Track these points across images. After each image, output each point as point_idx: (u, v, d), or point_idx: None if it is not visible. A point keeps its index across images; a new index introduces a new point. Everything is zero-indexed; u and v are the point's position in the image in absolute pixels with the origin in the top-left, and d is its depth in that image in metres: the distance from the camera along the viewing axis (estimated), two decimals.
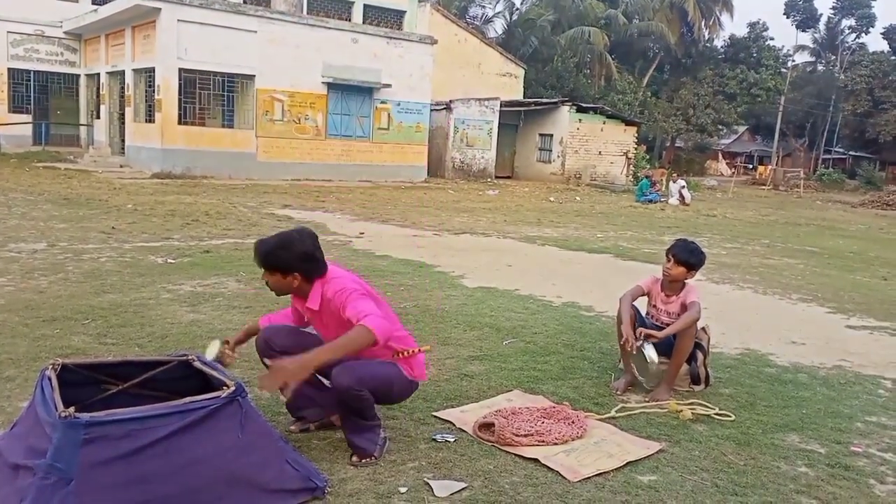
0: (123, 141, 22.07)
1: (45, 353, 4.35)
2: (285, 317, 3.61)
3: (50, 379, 2.71)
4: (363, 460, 3.19)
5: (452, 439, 3.49)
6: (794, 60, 54.03)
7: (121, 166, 20.39)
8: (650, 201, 20.95)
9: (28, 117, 23.57)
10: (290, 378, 2.82)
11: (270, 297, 5.72)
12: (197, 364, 3.05)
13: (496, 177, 26.62)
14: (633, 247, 11.09)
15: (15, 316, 5.14)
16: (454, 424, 3.67)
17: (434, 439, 3.48)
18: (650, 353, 4.24)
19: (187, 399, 2.66)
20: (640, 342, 4.25)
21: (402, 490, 2.97)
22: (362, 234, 10.67)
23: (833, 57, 54.45)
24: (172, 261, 7.62)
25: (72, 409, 2.42)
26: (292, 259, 3.18)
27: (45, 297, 5.73)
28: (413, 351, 3.40)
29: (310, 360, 2.90)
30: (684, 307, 4.39)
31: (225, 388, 2.76)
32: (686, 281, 4.49)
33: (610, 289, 6.60)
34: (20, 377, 3.96)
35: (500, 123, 26.78)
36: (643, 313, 4.58)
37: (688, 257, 4.43)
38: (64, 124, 24.65)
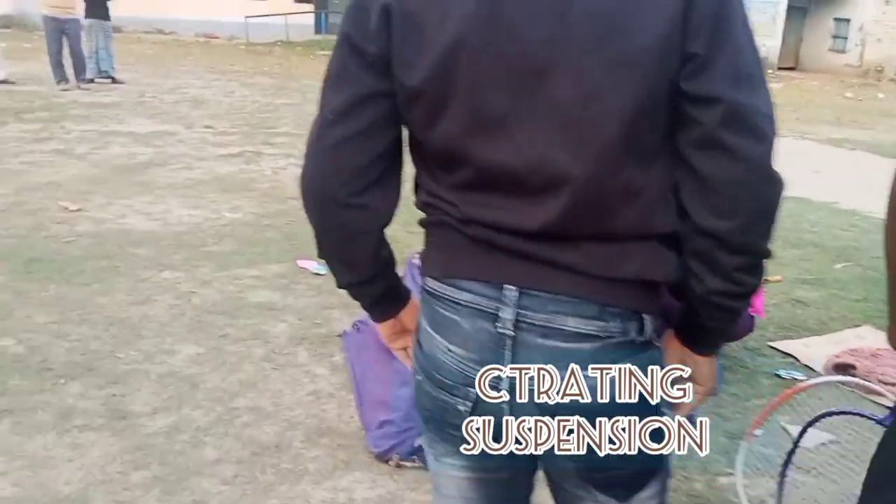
0: None
1: None
2: None
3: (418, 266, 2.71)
4: None
5: (800, 377, 3.06)
6: None
7: None
8: None
9: (311, 6, 25.14)
10: None
11: None
12: None
13: (777, 68, 23.82)
14: None
15: None
16: (797, 359, 3.23)
17: (777, 375, 3.09)
18: None
19: None
20: None
21: (757, 433, 2.64)
22: None
23: None
24: None
25: None
26: None
27: None
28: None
29: None
30: None
31: None
32: None
33: None
34: None
35: (787, 6, 23.67)
36: None
37: None
38: (341, 13, 26.01)
